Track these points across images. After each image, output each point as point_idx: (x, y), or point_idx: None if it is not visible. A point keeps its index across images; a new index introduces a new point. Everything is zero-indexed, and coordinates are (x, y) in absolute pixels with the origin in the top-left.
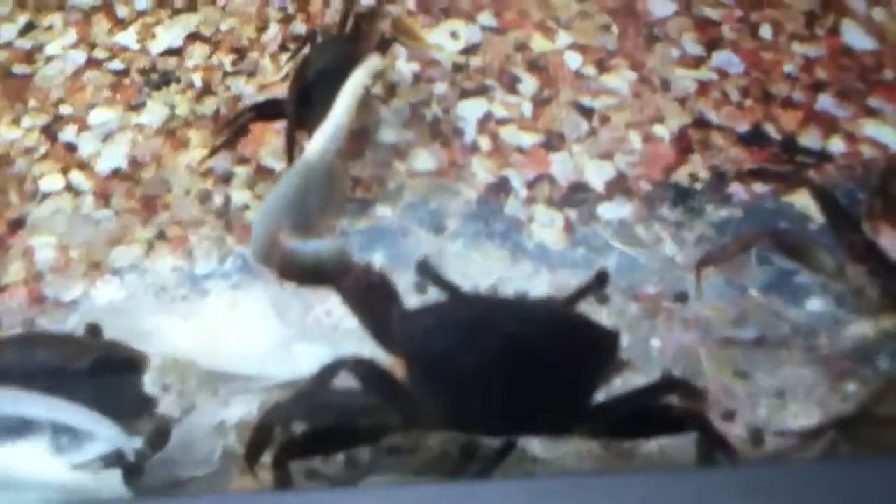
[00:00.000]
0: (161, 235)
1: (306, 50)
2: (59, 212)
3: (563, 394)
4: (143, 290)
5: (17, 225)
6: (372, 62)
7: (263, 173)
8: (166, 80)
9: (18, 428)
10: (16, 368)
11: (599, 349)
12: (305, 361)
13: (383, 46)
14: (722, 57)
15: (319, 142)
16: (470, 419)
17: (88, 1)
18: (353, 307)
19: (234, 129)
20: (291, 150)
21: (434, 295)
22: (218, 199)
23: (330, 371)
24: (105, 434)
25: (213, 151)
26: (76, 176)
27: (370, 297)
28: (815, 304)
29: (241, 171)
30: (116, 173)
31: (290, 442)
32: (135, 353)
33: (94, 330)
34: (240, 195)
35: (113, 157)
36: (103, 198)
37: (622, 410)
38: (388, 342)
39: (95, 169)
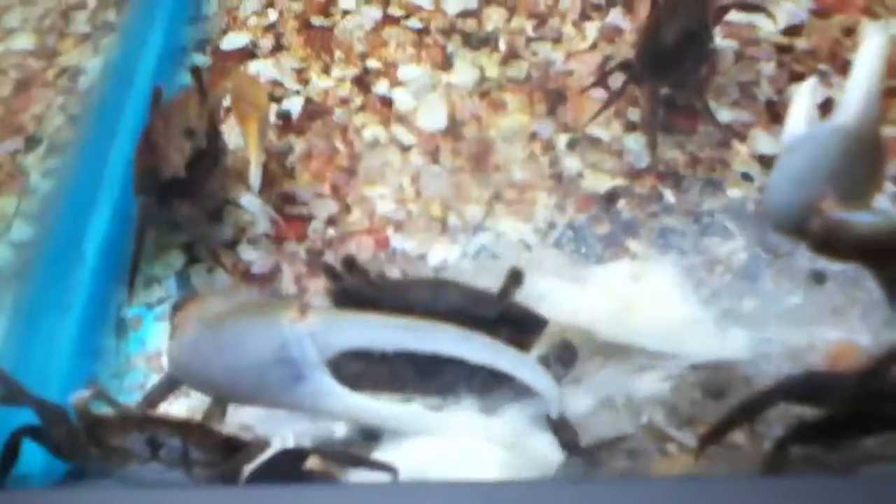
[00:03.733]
0: (498, 197)
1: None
2: (388, 164)
3: None
4: (507, 250)
5: (350, 174)
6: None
7: (590, 142)
8: (473, 41)
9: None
10: (427, 308)
11: None
12: (730, 343)
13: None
14: None
15: (855, 108)
16: None
17: None
18: None
19: (615, 95)
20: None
21: None
22: (545, 165)
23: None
24: (545, 388)
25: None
26: (399, 130)
27: None
28: None
29: (563, 138)
30: (440, 131)
31: (802, 426)
32: (536, 315)
33: (515, 276)
34: (571, 162)
35: (432, 114)
36: (430, 154)
37: None
38: None
39: (416, 124)
